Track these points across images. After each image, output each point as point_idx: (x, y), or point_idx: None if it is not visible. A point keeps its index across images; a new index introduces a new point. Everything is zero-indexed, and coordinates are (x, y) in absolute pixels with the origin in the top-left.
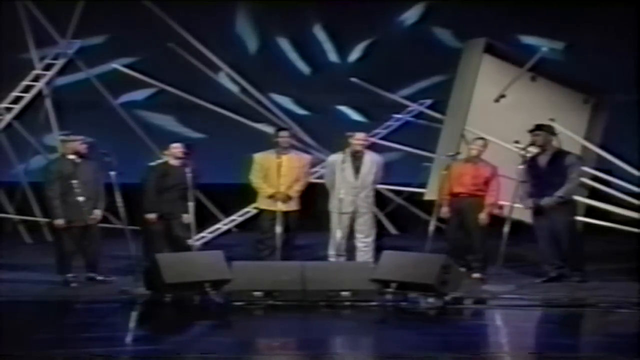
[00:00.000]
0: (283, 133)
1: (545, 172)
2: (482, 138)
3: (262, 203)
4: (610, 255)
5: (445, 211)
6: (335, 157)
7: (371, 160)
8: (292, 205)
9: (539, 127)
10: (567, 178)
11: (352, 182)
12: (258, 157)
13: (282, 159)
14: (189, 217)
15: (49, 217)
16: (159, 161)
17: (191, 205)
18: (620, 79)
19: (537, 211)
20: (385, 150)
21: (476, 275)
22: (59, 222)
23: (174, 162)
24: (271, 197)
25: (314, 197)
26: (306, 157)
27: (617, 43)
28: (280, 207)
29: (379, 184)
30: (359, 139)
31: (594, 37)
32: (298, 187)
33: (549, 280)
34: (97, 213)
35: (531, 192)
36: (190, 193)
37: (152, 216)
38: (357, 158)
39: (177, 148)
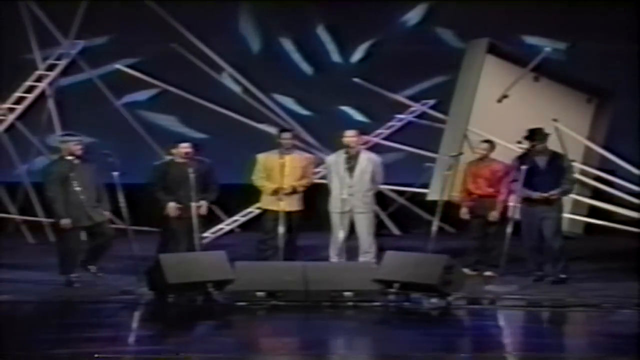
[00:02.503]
0: (285, 134)
1: (545, 172)
2: (487, 141)
3: (265, 203)
4: (612, 256)
5: (464, 212)
6: (331, 157)
7: (367, 160)
8: (295, 206)
9: (532, 136)
10: (564, 178)
11: (347, 181)
12: (261, 157)
13: (285, 159)
14: (203, 206)
15: (53, 218)
16: (163, 160)
17: (193, 205)
18: (623, 79)
19: (527, 209)
20: (387, 151)
21: (488, 273)
22: (66, 222)
23: (179, 160)
24: (275, 193)
25: (316, 197)
26: (309, 157)
27: (619, 43)
28: (283, 207)
29: (380, 184)
30: (349, 135)
31: (597, 37)
32: (303, 182)
33: (538, 280)
34: (106, 214)
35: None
36: (193, 192)
37: (172, 204)
38: (352, 157)
39: (185, 147)
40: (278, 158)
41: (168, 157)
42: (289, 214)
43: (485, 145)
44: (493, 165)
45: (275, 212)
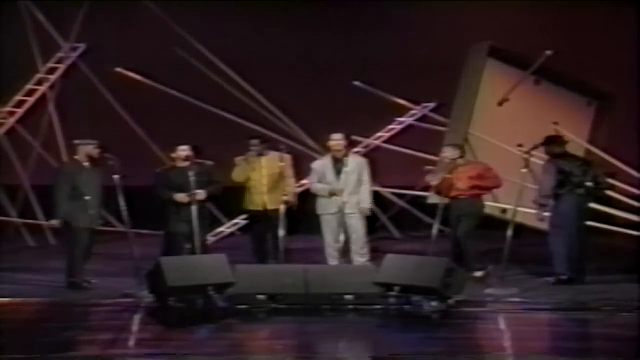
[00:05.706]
0: (253, 141)
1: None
2: (450, 145)
3: (247, 203)
4: (613, 259)
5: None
6: (318, 162)
7: (353, 162)
8: (277, 204)
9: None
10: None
11: (334, 184)
12: (239, 160)
13: (262, 160)
14: (201, 193)
15: (54, 218)
16: (164, 166)
17: (194, 208)
18: (623, 81)
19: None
20: (388, 153)
21: (478, 273)
22: (54, 222)
23: (181, 164)
24: (258, 190)
25: (313, 200)
26: (286, 156)
27: (620, 46)
28: (268, 205)
29: (369, 184)
30: (335, 139)
31: (597, 40)
32: (285, 182)
33: (559, 282)
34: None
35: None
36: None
37: (180, 195)
38: (338, 160)
39: (183, 150)
40: (256, 160)
41: (170, 163)
42: (271, 211)
43: (448, 148)
44: (478, 166)
45: (260, 213)
